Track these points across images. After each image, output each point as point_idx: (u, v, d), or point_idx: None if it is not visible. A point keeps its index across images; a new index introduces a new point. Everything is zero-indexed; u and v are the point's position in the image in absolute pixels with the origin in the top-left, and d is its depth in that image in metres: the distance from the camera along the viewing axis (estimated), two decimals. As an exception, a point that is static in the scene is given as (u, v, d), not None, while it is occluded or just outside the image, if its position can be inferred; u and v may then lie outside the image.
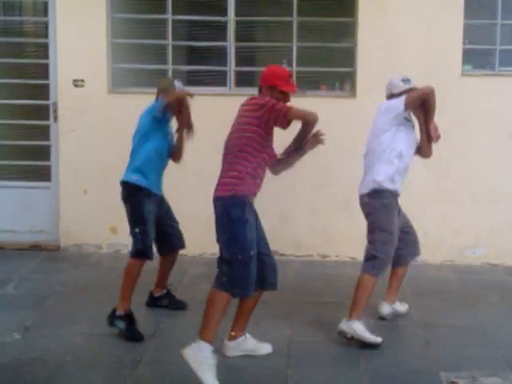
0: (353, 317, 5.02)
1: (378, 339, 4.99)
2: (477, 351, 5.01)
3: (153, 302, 5.67)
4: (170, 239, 5.52)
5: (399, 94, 5.25)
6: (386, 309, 5.50)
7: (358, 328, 4.98)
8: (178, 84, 5.38)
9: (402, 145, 5.20)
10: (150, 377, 4.57)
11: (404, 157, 5.22)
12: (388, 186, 5.18)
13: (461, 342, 5.21)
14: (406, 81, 5.35)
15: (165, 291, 5.70)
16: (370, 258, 5.16)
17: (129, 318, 5.14)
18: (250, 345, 4.86)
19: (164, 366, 4.70)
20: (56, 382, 4.44)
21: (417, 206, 7.06)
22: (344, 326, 5.03)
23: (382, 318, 5.46)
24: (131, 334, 5.09)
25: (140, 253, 5.21)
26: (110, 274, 5.74)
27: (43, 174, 7.48)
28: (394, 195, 5.25)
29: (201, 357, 4.32)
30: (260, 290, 4.72)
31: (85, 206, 7.27)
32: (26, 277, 6.55)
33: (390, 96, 5.33)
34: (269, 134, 4.56)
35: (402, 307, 5.62)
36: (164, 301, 5.67)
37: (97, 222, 7.27)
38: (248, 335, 4.86)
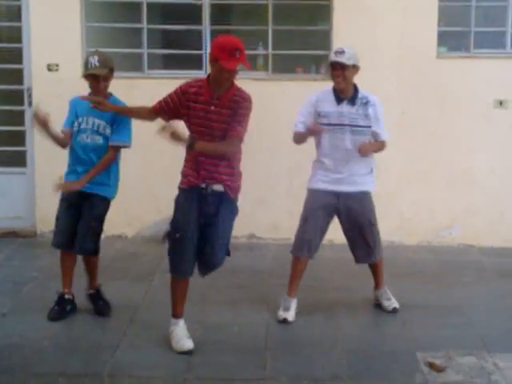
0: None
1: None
2: (453, 331, 5.06)
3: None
4: None
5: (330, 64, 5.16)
6: None
7: None
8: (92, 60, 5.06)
9: None
10: (128, 361, 4.57)
11: None
12: None
13: (437, 322, 5.25)
14: (337, 53, 5.10)
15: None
16: None
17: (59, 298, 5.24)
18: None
19: (142, 351, 4.71)
20: (34, 368, 4.44)
21: (393, 188, 7.11)
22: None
23: None
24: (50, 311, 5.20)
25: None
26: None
27: (19, 160, 7.41)
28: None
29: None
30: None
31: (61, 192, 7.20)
32: (2, 263, 6.52)
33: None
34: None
35: None
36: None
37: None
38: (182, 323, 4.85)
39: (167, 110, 4.70)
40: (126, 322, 5.16)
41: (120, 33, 7.42)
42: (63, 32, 7.09)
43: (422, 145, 7.15)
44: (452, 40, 7.24)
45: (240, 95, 4.60)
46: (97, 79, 5.03)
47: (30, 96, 7.21)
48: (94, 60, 5.01)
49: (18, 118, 7.32)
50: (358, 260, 5.42)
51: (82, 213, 5.19)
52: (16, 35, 7.24)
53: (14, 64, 7.29)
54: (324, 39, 7.17)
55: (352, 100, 5.17)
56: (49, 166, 7.18)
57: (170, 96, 4.69)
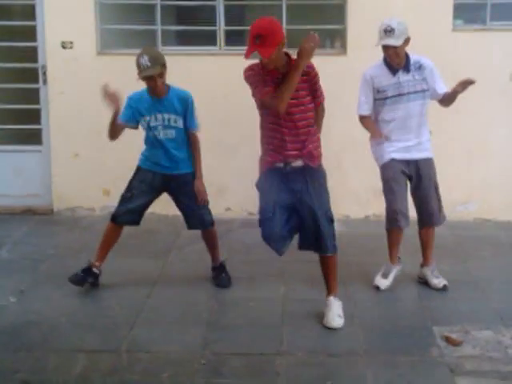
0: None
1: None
2: (469, 306, 5.06)
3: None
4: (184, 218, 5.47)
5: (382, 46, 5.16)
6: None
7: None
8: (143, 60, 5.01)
9: None
10: (145, 337, 4.60)
11: None
12: None
13: (454, 296, 5.25)
14: (386, 32, 5.08)
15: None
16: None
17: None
18: None
19: (159, 327, 4.74)
20: (52, 344, 4.48)
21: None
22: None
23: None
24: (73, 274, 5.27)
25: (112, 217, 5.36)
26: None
27: (34, 138, 7.43)
28: None
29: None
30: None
31: (77, 169, 7.24)
32: (19, 241, 6.56)
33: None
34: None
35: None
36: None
37: (89, 185, 7.25)
38: None
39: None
40: (142, 298, 5.19)
41: (134, 9, 7.39)
42: (77, 9, 7.07)
43: (436, 119, 7.06)
44: (468, 13, 7.16)
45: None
46: (153, 79, 5.02)
47: (44, 74, 7.21)
48: (145, 60, 4.97)
49: (33, 95, 7.32)
50: (424, 223, 5.47)
51: (180, 193, 5.30)
52: (30, 13, 7.23)
53: (29, 42, 7.28)
54: (339, 13, 7.11)
55: (406, 68, 5.20)
56: (64, 144, 7.22)
57: (264, 84, 4.52)
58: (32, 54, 7.26)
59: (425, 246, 5.51)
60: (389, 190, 5.31)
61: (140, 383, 4.03)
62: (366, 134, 5.35)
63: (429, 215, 5.41)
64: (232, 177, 7.11)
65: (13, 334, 4.62)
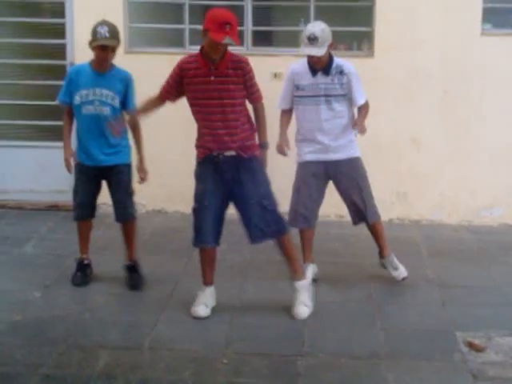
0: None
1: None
2: (493, 311, 5.03)
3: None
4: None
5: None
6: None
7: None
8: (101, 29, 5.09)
9: None
10: (167, 335, 4.63)
11: None
12: None
13: (477, 302, 5.22)
14: (310, 40, 5.08)
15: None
16: None
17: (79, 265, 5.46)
18: None
19: (181, 325, 4.77)
20: (75, 340, 4.51)
21: (434, 166, 7.07)
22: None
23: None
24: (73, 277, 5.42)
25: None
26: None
27: (60, 134, 7.45)
28: None
29: None
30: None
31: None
32: (45, 236, 6.62)
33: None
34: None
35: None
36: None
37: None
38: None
39: (171, 91, 4.80)
40: (165, 296, 5.21)
41: (162, 8, 7.42)
42: (106, 8, 7.08)
43: (463, 123, 7.06)
44: (497, 16, 7.11)
45: (238, 60, 4.72)
46: (106, 50, 5.06)
47: (72, 71, 7.25)
48: (104, 30, 5.04)
49: (61, 93, 7.37)
50: (352, 222, 5.55)
51: (112, 183, 5.33)
52: (59, 11, 7.28)
53: (57, 39, 7.33)
54: (367, 15, 7.10)
55: (326, 70, 5.23)
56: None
57: (170, 77, 4.80)
58: (61, 52, 7.31)
59: (375, 238, 5.56)
60: (295, 190, 5.42)
61: (162, 381, 4.04)
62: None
63: (354, 214, 5.49)
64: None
65: (37, 328, 4.66)
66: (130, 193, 5.37)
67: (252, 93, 4.81)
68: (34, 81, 7.49)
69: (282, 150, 5.29)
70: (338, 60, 5.29)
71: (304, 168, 5.38)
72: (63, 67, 7.30)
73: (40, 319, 4.80)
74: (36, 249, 6.26)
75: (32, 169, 7.48)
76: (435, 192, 7.14)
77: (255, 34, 7.20)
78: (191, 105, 4.78)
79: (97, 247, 5.98)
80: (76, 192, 5.39)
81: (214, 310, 4.96)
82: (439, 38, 6.96)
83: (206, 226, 4.82)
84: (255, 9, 7.13)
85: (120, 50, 7.02)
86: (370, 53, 7.10)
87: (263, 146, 4.89)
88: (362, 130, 5.23)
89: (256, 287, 5.43)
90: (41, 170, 7.47)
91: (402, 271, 5.47)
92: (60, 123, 7.35)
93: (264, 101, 4.90)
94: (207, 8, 7.42)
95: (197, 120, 4.80)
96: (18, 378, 4.03)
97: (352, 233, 6.30)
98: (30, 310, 4.95)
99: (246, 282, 5.52)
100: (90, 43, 5.07)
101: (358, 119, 5.32)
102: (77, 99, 5.19)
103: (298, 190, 5.39)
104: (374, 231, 5.51)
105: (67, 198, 7.40)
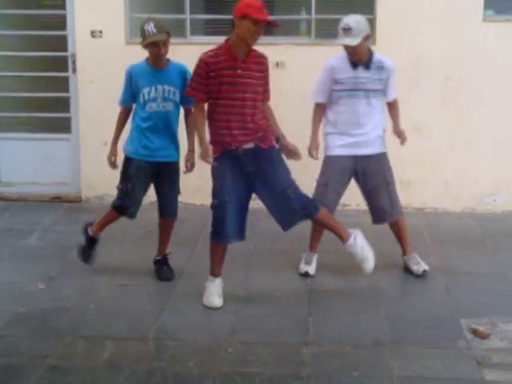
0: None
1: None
2: (497, 298, 5.03)
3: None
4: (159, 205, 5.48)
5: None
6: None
7: None
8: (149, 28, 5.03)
9: None
10: (172, 325, 4.64)
11: None
12: None
13: (481, 289, 5.23)
14: (344, 30, 5.10)
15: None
16: None
17: (92, 241, 5.39)
18: None
19: (186, 315, 4.78)
20: (80, 331, 4.53)
21: (437, 154, 7.05)
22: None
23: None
24: (81, 252, 5.41)
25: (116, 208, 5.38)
26: (132, 224, 5.78)
27: (63, 126, 7.49)
28: None
29: None
30: None
31: (105, 158, 7.26)
32: (48, 228, 6.63)
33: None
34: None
35: None
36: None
37: (118, 173, 7.26)
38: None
39: (206, 90, 4.68)
40: (170, 286, 5.22)
41: (163, -1, 7.42)
42: (107, -2, 7.11)
43: (466, 110, 7.04)
44: (499, 3, 7.08)
45: (260, 55, 4.74)
46: (157, 46, 5.02)
47: (73, 62, 7.25)
48: (151, 27, 4.99)
49: (63, 84, 7.37)
50: (374, 220, 5.52)
51: (166, 180, 5.31)
52: (60, 2, 7.27)
53: (58, 30, 7.32)
54: (368, 2, 7.06)
55: (367, 65, 5.20)
56: (93, 132, 7.26)
57: (199, 78, 4.68)
58: (61, 43, 7.30)
59: (398, 238, 5.55)
60: (322, 184, 5.34)
61: (167, 370, 4.05)
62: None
63: (377, 212, 5.44)
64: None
65: (42, 319, 4.68)
66: (178, 190, 5.39)
67: (266, 90, 4.83)
68: (36, 73, 7.48)
69: (312, 154, 5.34)
70: (377, 55, 5.27)
71: (333, 162, 5.32)
72: (65, 59, 7.30)
73: (44, 310, 4.81)
74: (40, 240, 6.27)
75: (35, 161, 7.49)
76: (439, 180, 7.13)
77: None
78: (212, 98, 4.69)
79: (102, 238, 5.99)
80: (132, 189, 5.29)
81: (218, 299, 4.98)
82: (441, 25, 6.93)
83: (228, 221, 4.76)
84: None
85: (121, 41, 7.09)
86: (372, 41, 7.04)
87: (280, 138, 4.87)
88: (405, 140, 5.41)
89: (260, 277, 5.43)
90: (44, 162, 7.48)
91: (422, 264, 5.45)
92: (63, 115, 7.43)
93: None
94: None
95: (215, 113, 4.71)
96: (24, 370, 4.04)
97: (357, 221, 6.26)
98: (35, 301, 4.96)
99: (250, 272, 5.53)
100: (141, 43, 5.05)
101: (398, 128, 5.49)
102: (140, 98, 5.15)
103: (325, 184, 5.31)
104: (397, 228, 5.50)
105: (70, 190, 7.47)
